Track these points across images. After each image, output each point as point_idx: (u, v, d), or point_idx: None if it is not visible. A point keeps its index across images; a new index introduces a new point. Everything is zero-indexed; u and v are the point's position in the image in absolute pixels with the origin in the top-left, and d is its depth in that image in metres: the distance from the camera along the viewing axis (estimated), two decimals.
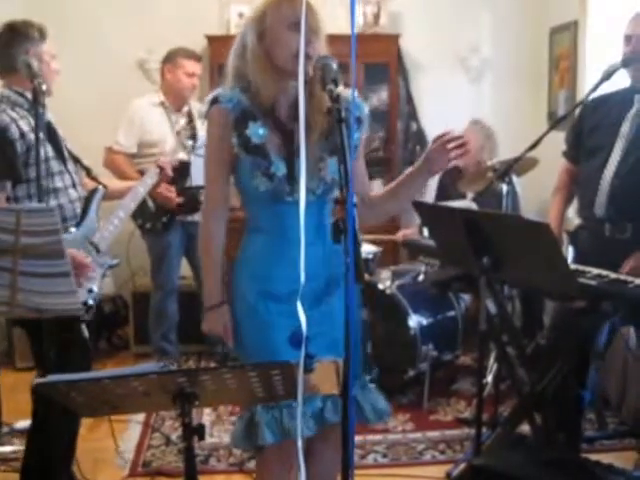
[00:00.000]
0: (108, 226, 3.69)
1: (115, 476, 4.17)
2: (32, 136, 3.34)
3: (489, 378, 4.97)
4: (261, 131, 2.68)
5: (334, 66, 2.45)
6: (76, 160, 3.74)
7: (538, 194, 5.67)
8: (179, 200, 5.38)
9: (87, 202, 3.64)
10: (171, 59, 5.57)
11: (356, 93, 2.51)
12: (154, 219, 5.50)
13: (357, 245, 2.09)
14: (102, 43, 6.39)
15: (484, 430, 4.03)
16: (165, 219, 5.51)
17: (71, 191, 3.58)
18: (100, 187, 3.73)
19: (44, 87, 3.21)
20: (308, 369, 2.02)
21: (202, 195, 5.50)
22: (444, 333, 5.16)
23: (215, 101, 2.74)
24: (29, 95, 3.41)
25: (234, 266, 2.89)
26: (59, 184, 3.52)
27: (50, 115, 3.57)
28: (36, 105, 3.17)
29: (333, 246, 2.22)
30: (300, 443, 2.31)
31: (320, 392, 2.67)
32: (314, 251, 2.62)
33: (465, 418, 4.84)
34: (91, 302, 3.38)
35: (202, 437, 2.24)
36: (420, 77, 6.73)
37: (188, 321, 5.77)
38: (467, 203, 4.89)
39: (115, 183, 4.14)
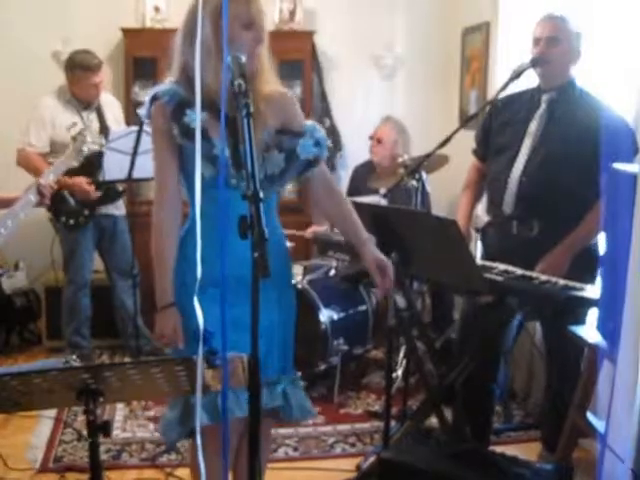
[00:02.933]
0: None
1: (25, 472, 4.12)
2: None
3: (399, 372, 5.04)
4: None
5: (243, 60, 2.46)
6: None
7: (448, 191, 5.77)
8: (98, 194, 5.37)
9: None
10: (71, 69, 5.47)
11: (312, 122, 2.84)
12: (77, 214, 5.46)
13: (263, 240, 2.11)
14: (16, 34, 6.30)
15: (393, 423, 4.12)
16: (87, 213, 5.49)
17: None
18: None
19: None
20: (212, 365, 2.03)
21: (120, 187, 5.54)
22: (355, 327, 5.22)
23: (154, 99, 2.78)
24: None
25: (176, 257, 2.85)
26: None
27: None
28: None
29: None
30: (199, 438, 2.31)
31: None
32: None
33: (375, 411, 4.90)
34: None
35: (108, 434, 2.24)
36: (334, 74, 6.79)
37: (101, 315, 5.83)
38: (376, 199, 4.95)
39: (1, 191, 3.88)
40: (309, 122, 2.96)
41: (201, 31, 2.61)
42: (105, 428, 2.23)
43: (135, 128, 5.15)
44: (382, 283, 3.02)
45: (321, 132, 2.93)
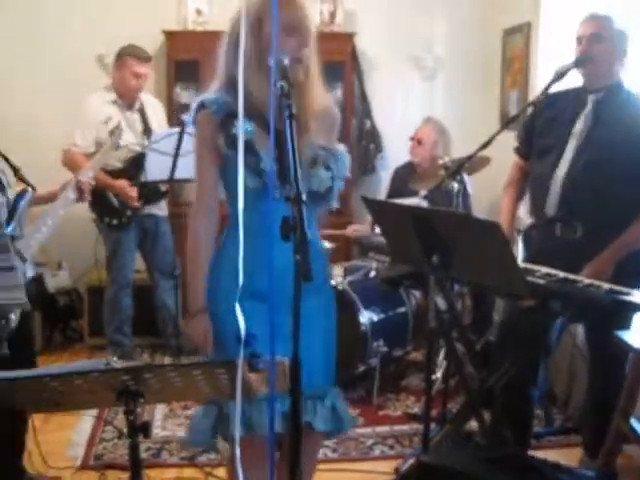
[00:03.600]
0: (34, 233, 3.48)
1: (66, 469, 4.15)
2: None
3: (438, 374, 5.02)
4: (246, 127, 2.62)
5: (285, 62, 2.45)
6: (4, 159, 3.50)
7: (489, 193, 5.74)
8: (138, 205, 5.44)
9: (14, 205, 3.41)
10: (120, 57, 5.57)
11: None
12: (120, 214, 5.51)
13: (305, 243, 2.11)
14: (61, 38, 6.38)
15: (433, 426, 4.09)
16: (129, 213, 5.53)
17: None
18: (29, 189, 3.51)
19: None
20: (254, 368, 2.01)
21: (163, 187, 5.58)
22: (394, 329, 5.21)
23: (201, 107, 2.75)
24: None
25: (212, 264, 2.84)
26: None
27: None
28: None
29: (315, 251, 2.22)
30: (238, 450, 2.29)
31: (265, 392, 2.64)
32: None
33: (414, 413, 4.88)
34: (12, 317, 3.12)
35: (147, 435, 2.24)
36: (374, 76, 6.79)
37: (142, 314, 5.87)
38: (417, 201, 4.93)
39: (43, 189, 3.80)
40: (340, 147, 2.92)
41: (243, 42, 2.60)
42: (145, 429, 2.23)
43: (177, 130, 5.18)
44: None
45: (348, 163, 2.89)
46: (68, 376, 2.10)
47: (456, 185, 4.40)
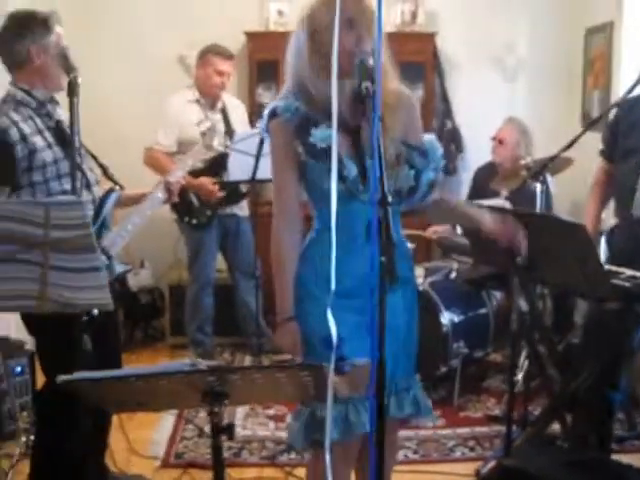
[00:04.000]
0: (120, 230, 3.48)
1: (148, 467, 4.20)
2: (35, 139, 3.26)
3: (519, 376, 4.96)
4: (323, 134, 2.62)
5: (370, 63, 2.43)
6: (92, 157, 3.56)
7: (570, 194, 5.67)
8: (221, 194, 5.46)
9: (101, 204, 3.44)
10: (203, 55, 5.63)
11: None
12: (199, 214, 5.58)
13: (391, 245, 2.10)
14: (143, 39, 6.48)
15: (514, 428, 4.05)
16: (209, 213, 5.59)
17: (84, 193, 3.30)
18: (117, 188, 3.54)
19: (80, 80, 2.97)
20: (341, 371, 2.01)
21: (243, 188, 5.61)
22: (475, 330, 5.17)
23: (273, 114, 2.73)
24: (38, 94, 3.33)
25: (299, 266, 2.81)
26: (69, 186, 3.20)
27: (60, 112, 3.44)
28: (71, 100, 2.95)
29: (399, 250, 2.21)
30: (329, 457, 2.26)
31: (351, 394, 2.63)
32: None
33: (495, 415, 4.84)
34: (95, 312, 3.12)
35: (231, 436, 2.22)
36: (455, 76, 6.75)
37: (223, 313, 5.91)
38: (501, 202, 4.89)
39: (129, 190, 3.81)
40: (427, 137, 2.87)
41: (300, 40, 2.70)
42: (229, 430, 2.22)
43: (259, 130, 5.21)
44: (503, 229, 2.96)
45: (439, 152, 2.84)
46: (154, 377, 2.10)
47: (539, 186, 4.34)
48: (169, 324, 6.26)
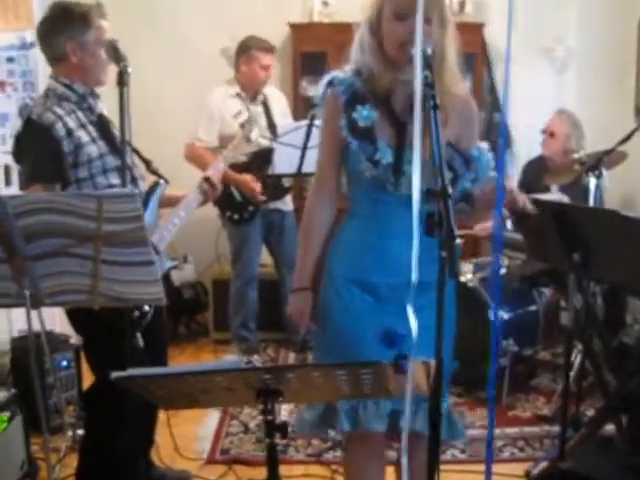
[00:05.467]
0: (168, 225, 3.49)
1: (193, 463, 4.20)
2: (80, 133, 3.21)
3: (571, 375, 4.86)
4: (368, 114, 2.64)
5: (428, 52, 2.35)
6: (135, 152, 3.47)
7: (622, 188, 5.54)
8: (263, 198, 5.43)
9: (146, 198, 3.40)
10: (246, 51, 5.56)
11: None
12: (241, 209, 5.53)
13: (452, 239, 2.02)
14: (185, 32, 6.45)
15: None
16: (252, 208, 5.53)
17: (130, 188, 3.26)
18: (161, 181, 3.50)
19: (130, 70, 2.92)
20: (402, 371, 1.93)
21: (286, 183, 5.58)
22: (525, 328, 5.07)
23: (330, 84, 2.75)
24: (78, 88, 3.28)
25: (329, 248, 2.87)
26: (115, 180, 3.28)
27: (101, 106, 3.40)
28: (121, 90, 2.89)
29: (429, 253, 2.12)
30: (405, 461, 2.23)
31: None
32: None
33: (544, 415, 4.75)
34: (146, 308, 3.19)
35: (285, 435, 2.18)
36: (503, 67, 6.59)
37: (268, 309, 5.87)
38: (559, 196, 4.77)
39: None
40: (482, 146, 2.83)
41: (362, 31, 2.69)
42: (283, 428, 2.18)
43: (305, 122, 5.15)
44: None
45: (487, 166, 2.79)
46: (210, 374, 2.06)
47: (593, 181, 4.23)
48: (212, 319, 6.25)
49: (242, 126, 4.59)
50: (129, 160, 3.26)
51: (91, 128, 3.29)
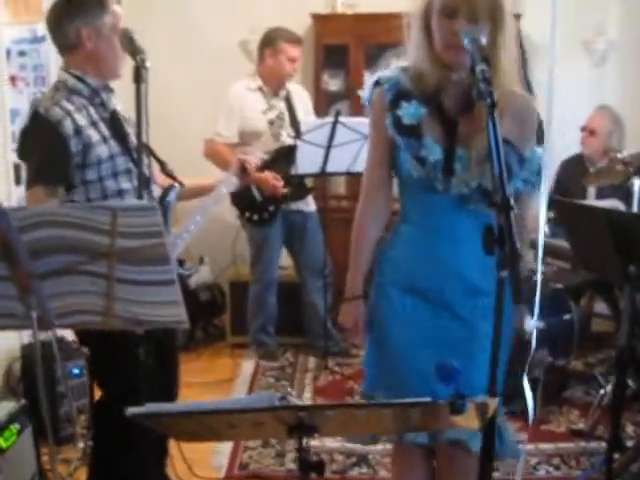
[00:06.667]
0: (182, 232, 3.28)
1: (211, 478, 4.04)
2: (90, 132, 2.98)
3: (608, 388, 4.63)
4: (414, 111, 2.54)
5: (483, 41, 2.19)
6: (150, 152, 3.23)
7: None
8: (285, 190, 5.19)
9: (160, 203, 3.14)
10: (272, 42, 5.35)
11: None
12: (261, 210, 5.32)
13: (516, 258, 1.78)
14: (203, 24, 6.23)
15: (595, 444, 3.93)
16: (272, 208, 5.33)
17: (149, 200, 3.08)
18: (176, 185, 3.29)
19: (148, 64, 2.74)
20: (459, 410, 1.68)
21: (309, 183, 5.42)
22: (559, 337, 4.84)
23: (376, 84, 2.64)
24: (91, 81, 3.05)
25: (378, 256, 2.76)
26: (126, 185, 3.10)
27: (115, 102, 3.19)
28: (137, 86, 2.71)
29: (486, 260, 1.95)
30: None
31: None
32: (468, 254, 2.50)
33: (579, 430, 4.51)
34: None
35: (322, 473, 1.96)
36: (540, 60, 6.35)
37: (287, 312, 5.71)
38: (614, 203, 4.55)
39: (189, 181, 3.53)
40: (539, 150, 2.68)
41: (412, 28, 2.54)
42: (319, 467, 1.95)
43: (330, 120, 4.95)
44: None
45: (538, 168, 2.63)
46: (237, 412, 1.84)
47: (638, 182, 4.00)
48: (230, 322, 6.06)
49: (271, 123, 4.37)
50: (145, 162, 3.07)
51: (102, 126, 3.06)
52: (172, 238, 3.18)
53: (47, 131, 2.94)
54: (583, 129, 5.29)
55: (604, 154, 5.01)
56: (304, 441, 1.90)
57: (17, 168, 4.58)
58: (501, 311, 1.90)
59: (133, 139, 3.11)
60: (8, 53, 4.63)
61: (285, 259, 5.77)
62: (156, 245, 2.31)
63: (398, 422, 1.95)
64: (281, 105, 5.39)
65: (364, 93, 2.73)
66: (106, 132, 3.06)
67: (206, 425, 1.93)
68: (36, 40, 4.88)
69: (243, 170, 3.56)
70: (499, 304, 1.87)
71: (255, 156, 3.63)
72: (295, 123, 5.33)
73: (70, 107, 2.98)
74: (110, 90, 3.14)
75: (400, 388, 2.55)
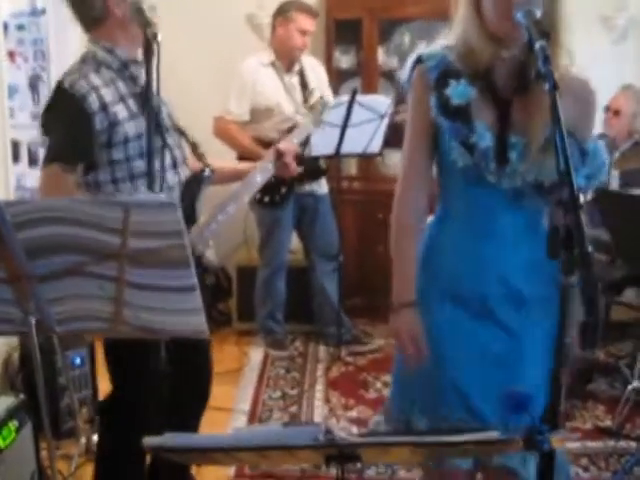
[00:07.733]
0: (211, 222, 3.09)
1: (221, 477, 3.90)
2: (117, 108, 2.80)
3: (635, 383, 4.42)
4: (463, 89, 2.29)
5: (538, 15, 1.98)
6: (181, 133, 3.10)
7: None
8: (299, 170, 4.97)
9: (187, 189, 3.02)
10: (284, 12, 5.14)
11: None
12: (273, 191, 5.08)
13: (588, 265, 1.56)
14: None
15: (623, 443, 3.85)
16: (284, 190, 5.11)
17: (169, 174, 2.94)
18: (206, 170, 3.10)
19: (159, 38, 2.60)
20: (536, 448, 1.44)
21: (323, 164, 5.22)
22: (585, 327, 4.64)
23: (418, 61, 2.39)
24: (121, 53, 2.87)
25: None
26: (156, 165, 2.86)
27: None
28: (148, 61, 2.57)
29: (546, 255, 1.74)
30: None
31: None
32: (516, 255, 2.29)
33: (606, 427, 4.34)
34: None
35: None
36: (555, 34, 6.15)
37: (296, 298, 5.53)
38: None
39: (223, 164, 3.40)
40: (598, 142, 2.38)
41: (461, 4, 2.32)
42: None
43: (346, 98, 4.73)
44: None
45: (602, 162, 2.34)
46: (273, 449, 1.63)
47: None
48: (236, 308, 5.87)
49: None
50: (171, 140, 2.94)
51: (132, 101, 2.86)
52: (201, 229, 3.02)
53: (70, 106, 2.75)
54: (607, 109, 5.08)
55: (629, 135, 4.89)
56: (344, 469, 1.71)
57: (16, 145, 4.42)
58: (565, 329, 1.77)
59: (165, 117, 2.97)
60: (5, 27, 4.45)
61: (294, 243, 5.59)
62: (175, 247, 2.07)
63: (449, 451, 1.73)
64: (294, 81, 5.20)
65: (402, 73, 2.47)
66: (135, 108, 2.86)
67: (236, 458, 1.72)
68: (35, 13, 4.74)
69: (280, 160, 3.37)
70: (564, 313, 1.66)
71: (292, 142, 3.45)
72: (307, 101, 5.08)
73: (97, 81, 2.79)
74: (141, 64, 2.90)
75: (436, 409, 2.36)
